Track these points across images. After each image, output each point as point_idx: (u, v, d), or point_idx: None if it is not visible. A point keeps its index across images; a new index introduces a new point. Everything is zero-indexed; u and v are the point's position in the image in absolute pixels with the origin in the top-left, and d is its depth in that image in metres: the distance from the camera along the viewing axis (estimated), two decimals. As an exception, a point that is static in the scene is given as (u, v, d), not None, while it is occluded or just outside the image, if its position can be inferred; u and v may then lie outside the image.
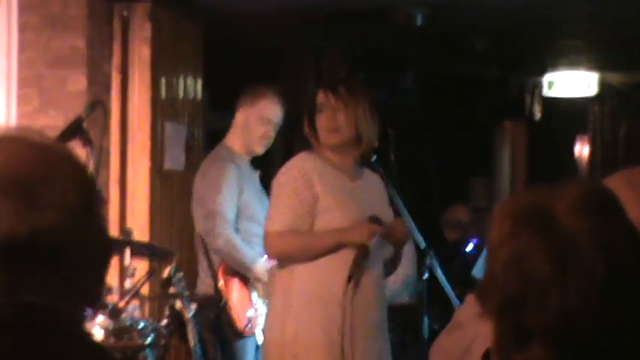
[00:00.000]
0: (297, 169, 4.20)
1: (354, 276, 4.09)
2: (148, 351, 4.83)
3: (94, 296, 1.59)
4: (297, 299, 4.12)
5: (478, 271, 6.74)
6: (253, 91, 5.45)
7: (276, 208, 4.18)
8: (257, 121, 5.38)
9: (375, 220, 4.24)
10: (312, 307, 4.11)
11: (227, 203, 5.19)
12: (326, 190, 4.20)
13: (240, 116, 5.42)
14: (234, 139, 5.43)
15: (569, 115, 10.39)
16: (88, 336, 1.59)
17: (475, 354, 2.22)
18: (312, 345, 4.08)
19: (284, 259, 4.19)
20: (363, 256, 4.11)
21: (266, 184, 5.27)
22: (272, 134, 5.41)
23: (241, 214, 5.24)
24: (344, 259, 4.11)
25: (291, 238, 4.14)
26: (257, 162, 5.52)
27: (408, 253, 5.55)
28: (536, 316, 1.37)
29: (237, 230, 5.21)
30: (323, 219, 4.17)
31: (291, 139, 6.74)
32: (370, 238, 4.15)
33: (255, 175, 5.45)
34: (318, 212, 4.17)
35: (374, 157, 4.65)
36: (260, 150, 5.44)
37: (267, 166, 5.62)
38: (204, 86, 6.54)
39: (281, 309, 4.14)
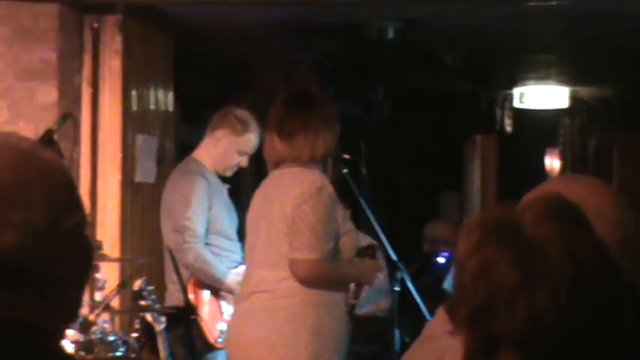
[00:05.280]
0: (329, 190, 4.14)
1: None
2: (118, 364, 4.82)
3: (70, 312, 1.56)
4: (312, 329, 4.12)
5: (449, 284, 6.76)
6: (236, 116, 5.40)
7: (314, 235, 4.07)
8: (237, 152, 5.38)
9: (371, 249, 4.39)
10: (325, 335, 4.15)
11: (197, 218, 5.18)
12: (341, 214, 4.24)
13: (220, 141, 5.37)
14: (204, 155, 5.41)
15: (539, 128, 10.45)
16: (64, 354, 1.57)
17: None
18: None
19: (313, 286, 4.13)
20: (361, 291, 4.43)
21: (235, 198, 5.27)
22: (246, 163, 5.42)
23: (210, 228, 5.23)
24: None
25: (325, 265, 4.12)
26: (227, 176, 5.52)
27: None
28: (506, 322, 1.39)
29: (207, 244, 5.20)
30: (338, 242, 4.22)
31: (261, 154, 6.73)
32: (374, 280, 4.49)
33: (224, 189, 5.44)
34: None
35: (345, 171, 4.67)
36: (230, 174, 5.45)
37: (235, 180, 5.62)
38: (175, 98, 6.53)
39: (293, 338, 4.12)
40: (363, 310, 6.29)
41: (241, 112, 5.42)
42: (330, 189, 4.13)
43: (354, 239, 4.30)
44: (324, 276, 4.12)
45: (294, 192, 4.11)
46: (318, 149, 4.19)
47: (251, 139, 5.34)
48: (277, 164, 4.26)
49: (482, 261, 1.42)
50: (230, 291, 5.14)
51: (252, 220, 4.33)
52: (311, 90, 4.49)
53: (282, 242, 4.11)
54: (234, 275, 5.13)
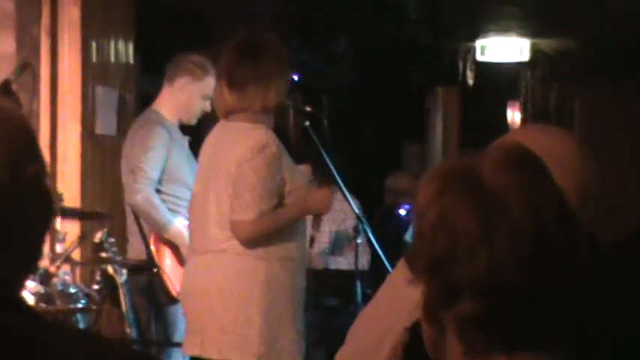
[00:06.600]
0: (272, 149, 4.09)
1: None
2: (79, 316, 4.82)
3: (30, 263, 1.55)
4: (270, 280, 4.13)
5: (411, 235, 6.78)
6: (193, 62, 5.36)
7: (252, 196, 4.05)
8: (200, 98, 5.33)
9: (327, 180, 4.34)
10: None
11: (152, 162, 5.14)
12: (290, 170, 4.20)
13: (183, 89, 5.32)
14: (164, 106, 5.37)
15: (501, 81, 10.47)
16: (25, 305, 1.53)
17: (407, 317, 2.23)
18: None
19: (258, 244, 4.11)
20: (319, 218, 4.39)
21: (195, 150, 5.24)
22: (209, 108, 5.38)
23: (169, 177, 5.20)
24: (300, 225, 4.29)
25: (263, 222, 4.07)
26: (187, 127, 5.49)
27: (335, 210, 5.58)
28: (465, 272, 1.39)
29: (158, 192, 5.17)
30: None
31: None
32: (330, 206, 4.31)
33: (185, 141, 5.42)
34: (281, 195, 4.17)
35: (307, 123, 4.65)
36: (194, 122, 5.42)
37: (196, 131, 5.58)
38: (135, 50, 6.46)
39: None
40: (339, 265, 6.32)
41: (197, 57, 5.38)
42: (273, 148, 4.08)
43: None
44: (265, 232, 4.09)
45: (238, 151, 4.07)
46: (269, 99, 4.14)
47: (212, 82, 5.29)
48: (227, 114, 4.21)
49: (441, 210, 1.42)
50: (173, 239, 5.13)
51: (201, 172, 4.30)
52: (261, 36, 4.39)
53: (228, 203, 4.11)
54: (179, 223, 5.10)
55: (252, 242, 4.09)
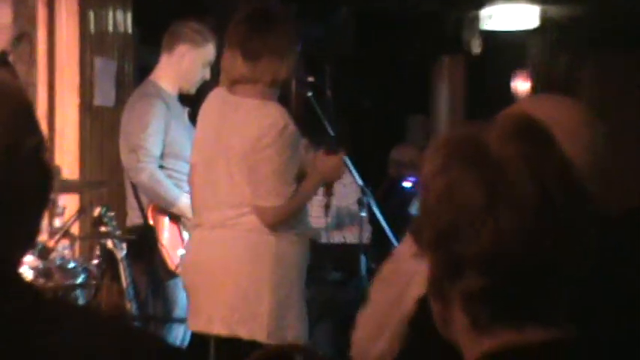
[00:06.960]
0: (291, 129, 4.06)
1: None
2: (78, 291, 4.81)
3: (28, 238, 1.53)
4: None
5: (416, 208, 6.72)
6: (193, 29, 5.28)
7: (279, 180, 4.04)
8: (202, 65, 5.26)
9: (336, 147, 4.38)
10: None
11: (152, 139, 5.09)
12: (303, 147, 4.22)
13: (184, 57, 5.24)
14: (163, 76, 5.29)
15: (508, 49, 10.36)
16: (23, 281, 1.52)
17: (415, 288, 2.25)
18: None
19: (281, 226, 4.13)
20: (332, 184, 4.41)
21: (195, 121, 5.18)
22: (209, 76, 5.31)
23: (169, 151, 5.15)
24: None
25: (291, 204, 4.08)
26: (186, 98, 5.40)
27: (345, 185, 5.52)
28: (470, 244, 1.38)
29: (161, 167, 5.11)
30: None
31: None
32: (342, 171, 4.36)
33: (184, 113, 5.33)
34: None
35: (310, 93, 4.59)
36: (194, 90, 5.34)
37: (196, 102, 5.50)
38: (133, 20, 6.38)
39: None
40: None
41: (196, 25, 5.31)
42: (292, 127, 4.06)
43: None
44: (292, 213, 4.10)
45: (254, 132, 4.03)
46: (280, 73, 4.11)
47: (212, 49, 5.24)
48: (234, 83, 4.15)
49: (447, 182, 1.41)
50: (182, 214, 5.07)
51: (202, 145, 4.25)
52: (274, 8, 4.34)
53: (243, 183, 4.07)
54: (186, 198, 5.03)
55: (278, 225, 4.08)
